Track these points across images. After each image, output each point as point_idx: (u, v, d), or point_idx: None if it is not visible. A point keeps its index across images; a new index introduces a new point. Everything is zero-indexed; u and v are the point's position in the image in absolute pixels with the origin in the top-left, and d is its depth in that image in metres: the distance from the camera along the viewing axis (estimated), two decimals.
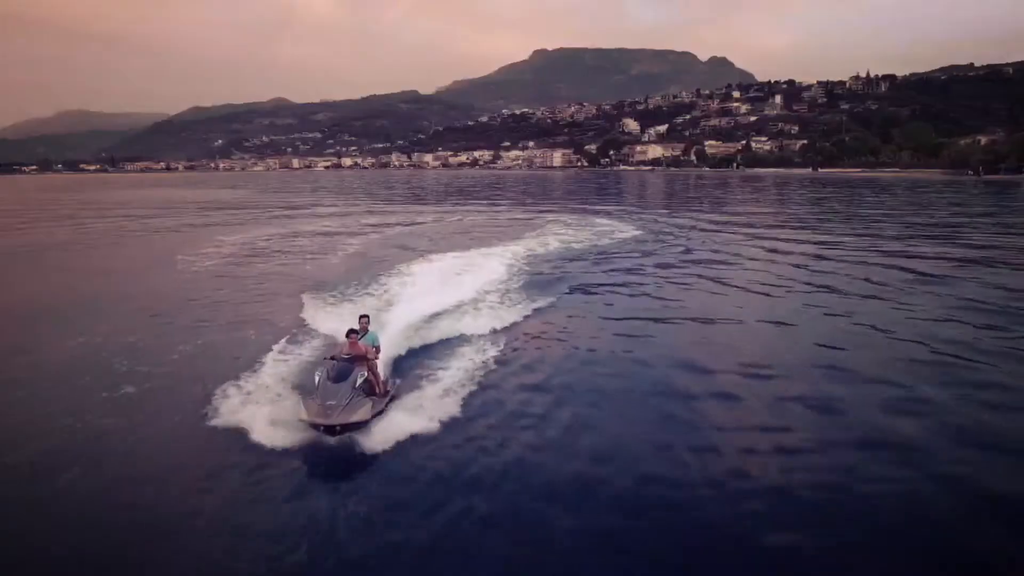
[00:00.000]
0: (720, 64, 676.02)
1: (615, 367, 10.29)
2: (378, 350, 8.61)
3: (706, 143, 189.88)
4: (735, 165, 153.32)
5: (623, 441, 7.56)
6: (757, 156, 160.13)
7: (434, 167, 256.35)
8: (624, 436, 7.71)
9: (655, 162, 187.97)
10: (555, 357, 10.78)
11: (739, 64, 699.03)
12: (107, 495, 6.43)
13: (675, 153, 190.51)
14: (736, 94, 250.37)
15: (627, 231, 29.33)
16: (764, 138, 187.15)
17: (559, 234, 27.56)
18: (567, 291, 16.16)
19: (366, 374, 7.73)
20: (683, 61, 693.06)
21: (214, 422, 7.80)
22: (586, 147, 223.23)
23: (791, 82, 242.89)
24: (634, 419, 8.24)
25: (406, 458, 6.96)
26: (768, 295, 15.51)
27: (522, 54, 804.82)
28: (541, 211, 42.50)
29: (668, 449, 7.36)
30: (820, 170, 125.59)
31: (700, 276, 18.15)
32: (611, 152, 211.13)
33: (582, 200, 56.64)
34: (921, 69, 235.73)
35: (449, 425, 7.65)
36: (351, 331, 8.29)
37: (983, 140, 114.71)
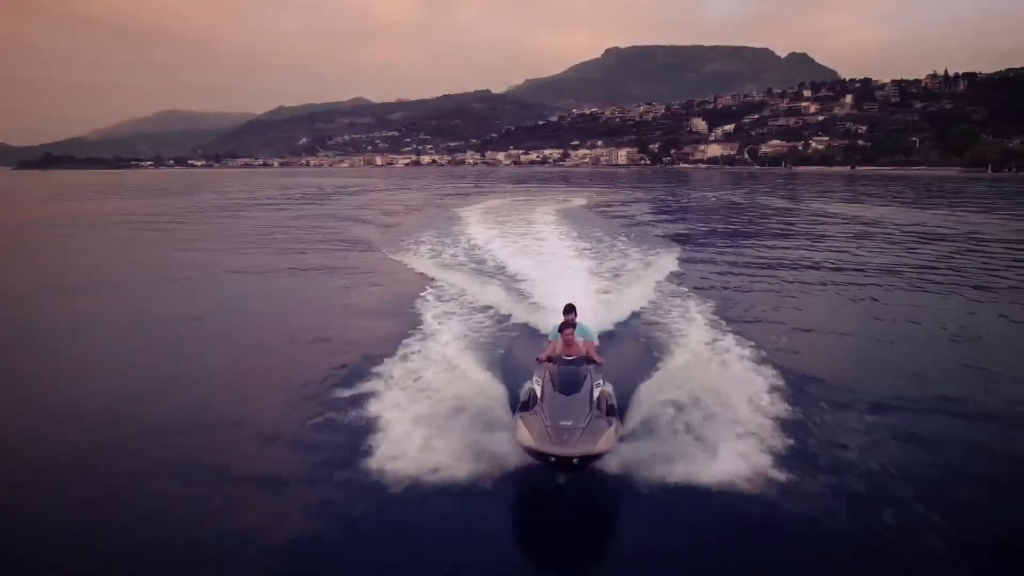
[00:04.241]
0: (799, 61, 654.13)
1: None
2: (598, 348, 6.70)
3: (769, 143, 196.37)
4: (784, 164, 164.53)
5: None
6: (804, 155, 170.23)
7: (506, 164, 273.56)
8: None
9: (712, 160, 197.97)
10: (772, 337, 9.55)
11: (820, 60, 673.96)
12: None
13: (732, 152, 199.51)
14: (807, 92, 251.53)
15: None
16: (825, 137, 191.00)
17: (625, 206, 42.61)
18: (680, 245, 19.36)
19: (601, 382, 5.81)
20: (759, 58, 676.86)
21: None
22: (649, 146, 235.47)
23: (866, 80, 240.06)
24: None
25: (682, 511, 4.92)
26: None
27: (594, 52, 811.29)
28: (598, 190, 59.30)
29: None
30: (858, 168, 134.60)
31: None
32: (672, 151, 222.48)
33: (634, 187, 71.96)
34: (1019, 65, 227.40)
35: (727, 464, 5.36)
36: (565, 324, 6.52)
37: None
